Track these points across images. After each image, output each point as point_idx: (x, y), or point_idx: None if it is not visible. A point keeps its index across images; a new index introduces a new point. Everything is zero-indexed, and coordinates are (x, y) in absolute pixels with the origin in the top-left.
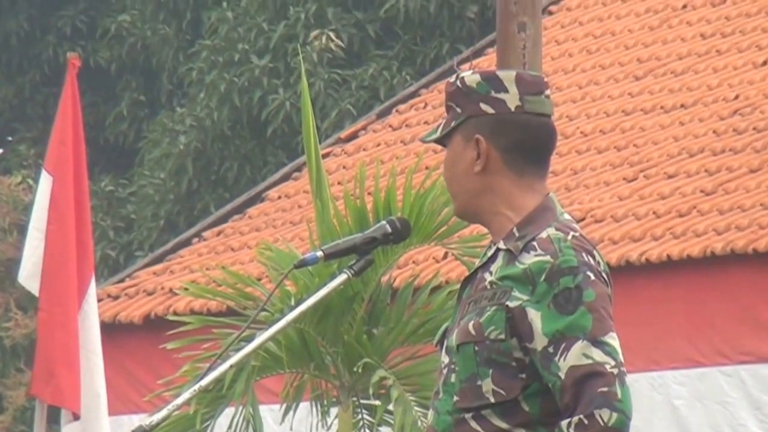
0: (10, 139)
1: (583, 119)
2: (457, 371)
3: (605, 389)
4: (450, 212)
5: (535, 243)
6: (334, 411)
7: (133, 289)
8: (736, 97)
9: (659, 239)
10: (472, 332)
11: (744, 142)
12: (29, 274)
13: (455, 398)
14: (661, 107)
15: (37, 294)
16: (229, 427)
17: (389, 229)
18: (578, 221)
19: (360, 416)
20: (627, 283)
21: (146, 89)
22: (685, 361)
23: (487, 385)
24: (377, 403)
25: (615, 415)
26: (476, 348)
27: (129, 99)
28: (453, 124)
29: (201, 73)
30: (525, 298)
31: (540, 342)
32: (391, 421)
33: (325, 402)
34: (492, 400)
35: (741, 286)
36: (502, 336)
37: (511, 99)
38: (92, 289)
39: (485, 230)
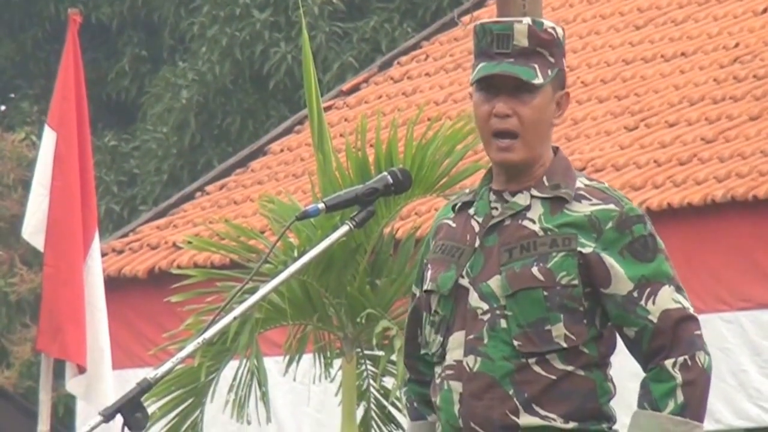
0: (12, 95)
1: (584, 69)
2: (512, 316)
3: (699, 332)
4: (451, 163)
5: (583, 192)
6: (337, 362)
7: (136, 243)
8: (736, 45)
9: (660, 187)
10: (540, 277)
11: (744, 90)
12: (33, 230)
13: (516, 343)
14: (662, 56)
15: (41, 249)
16: (234, 379)
17: (390, 180)
18: (579, 171)
19: (363, 367)
20: None
21: (148, 44)
22: None
23: (558, 330)
24: (380, 353)
25: (708, 357)
26: (545, 293)
27: (131, 54)
28: (551, 73)
29: (202, 27)
30: (592, 244)
31: (624, 286)
32: (395, 372)
33: (329, 353)
34: (564, 344)
35: (741, 233)
36: (575, 281)
37: None
38: (96, 245)
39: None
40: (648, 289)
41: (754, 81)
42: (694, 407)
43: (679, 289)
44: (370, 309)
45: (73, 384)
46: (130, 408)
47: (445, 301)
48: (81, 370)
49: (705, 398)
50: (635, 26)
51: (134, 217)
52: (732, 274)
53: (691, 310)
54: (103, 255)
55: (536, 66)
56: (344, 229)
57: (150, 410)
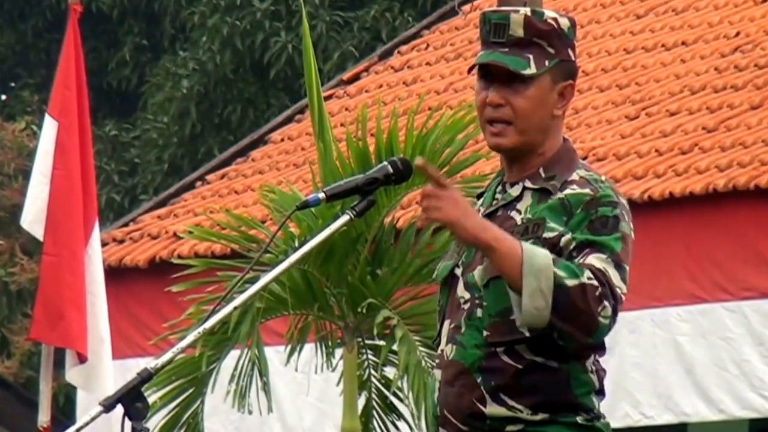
0: (13, 85)
1: (585, 58)
2: (485, 306)
3: (608, 304)
4: (452, 152)
5: (574, 183)
6: (338, 352)
7: (137, 233)
8: (737, 34)
9: (661, 177)
10: None
11: (745, 79)
12: (33, 219)
13: (486, 333)
14: (663, 45)
15: (40, 238)
16: (235, 368)
17: (391, 170)
18: (582, 161)
19: (365, 356)
20: None
21: (148, 34)
22: (687, 297)
23: None
24: (382, 343)
25: (610, 309)
26: None
27: (131, 44)
28: (548, 64)
29: (203, 17)
30: (560, 228)
31: (566, 242)
32: (396, 361)
33: (330, 343)
34: (527, 334)
35: (743, 222)
36: None
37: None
38: (96, 234)
39: (487, 170)
40: (586, 250)
41: (756, 70)
42: (569, 299)
43: (618, 267)
44: (371, 299)
45: (72, 374)
46: (131, 398)
47: (442, 290)
48: (81, 359)
49: (576, 309)
50: (636, 15)
51: (135, 207)
52: (734, 263)
53: (618, 291)
54: (104, 245)
55: (531, 56)
56: (345, 218)
57: (150, 400)
